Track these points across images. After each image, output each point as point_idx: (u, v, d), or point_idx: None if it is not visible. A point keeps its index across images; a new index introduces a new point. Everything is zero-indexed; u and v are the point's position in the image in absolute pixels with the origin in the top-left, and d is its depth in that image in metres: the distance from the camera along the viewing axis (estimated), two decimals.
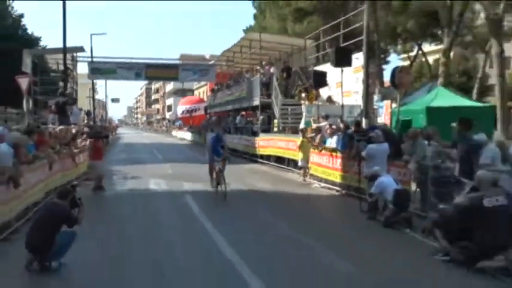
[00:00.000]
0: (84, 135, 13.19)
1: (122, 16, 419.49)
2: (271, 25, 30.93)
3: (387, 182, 7.71)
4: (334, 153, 11.42)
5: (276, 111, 18.79)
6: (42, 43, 31.22)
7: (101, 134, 13.45)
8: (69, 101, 17.74)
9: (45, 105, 20.93)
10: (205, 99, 42.19)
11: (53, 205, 5.78)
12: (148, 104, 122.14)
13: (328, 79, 16.52)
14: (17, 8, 46.87)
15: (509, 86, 24.16)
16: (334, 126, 12.43)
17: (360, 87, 15.58)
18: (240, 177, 13.35)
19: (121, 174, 14.84)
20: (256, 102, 20.54)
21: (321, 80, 16.17)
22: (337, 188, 11.19)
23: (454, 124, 7.38)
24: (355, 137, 10.27)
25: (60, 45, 18.70)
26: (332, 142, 11.88)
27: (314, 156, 12.68)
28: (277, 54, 24.93)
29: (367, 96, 14.19)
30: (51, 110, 17.57)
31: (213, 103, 32.20)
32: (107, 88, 75.24)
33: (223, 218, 8.44)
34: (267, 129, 19.54)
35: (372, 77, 18.83)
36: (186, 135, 41.34)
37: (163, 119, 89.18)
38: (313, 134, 13.32)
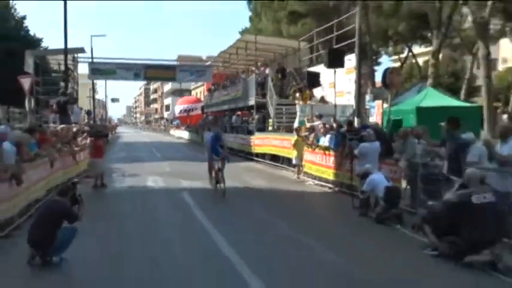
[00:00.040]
0: (85, 134, 13.38)
1: (122, 16, 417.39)
2: (266, 27, 31.10)
3: (378, 179, 7.81)
4: (327, 152, 11.58)
5: (271, 110, 18.91)
6: (43, 44, 31.26)
7: (102, 133, 13.70)
8: (70, 101, 17.83)
9: (46, 105, 20.90)
10: (202, 99, 42.12)
11: (53, 202, 5.82)
12: (147, 103, 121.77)
13: (322, 80, 16.84)
14: (19, 8, 46.54)
15: (495, 87, 24.78)
16: (327, 126, 12.59)
17: (352, 88, 15.69)
18: (236, 175, 13.42)
19: (120, 172, 14.98)
20: (252, 102, 20.65)
21: (314, 80, 16.52)
22: (330, 185, 11.34)
23: (442, 123, 7.42)
24: (347, 136, 10.28)
25: (61, 46, 18.81)
26: (325, 141, 12.02)
27: (308, 155, 12.86)
28: (272, 55, 25.04)
29: (359, 96, 14.36)
30: (53, 110, 17.62)
31: (209, 103, 32.35)
32: (106, 88, 75.23)
33: (221, 216, 8.51)
34: (262, 128, 19.60)
35: (363, 77, 18.86)
36: (184, 134, 41.44)
37: (162, 118, 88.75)
38: (307, 133, 13.48)
